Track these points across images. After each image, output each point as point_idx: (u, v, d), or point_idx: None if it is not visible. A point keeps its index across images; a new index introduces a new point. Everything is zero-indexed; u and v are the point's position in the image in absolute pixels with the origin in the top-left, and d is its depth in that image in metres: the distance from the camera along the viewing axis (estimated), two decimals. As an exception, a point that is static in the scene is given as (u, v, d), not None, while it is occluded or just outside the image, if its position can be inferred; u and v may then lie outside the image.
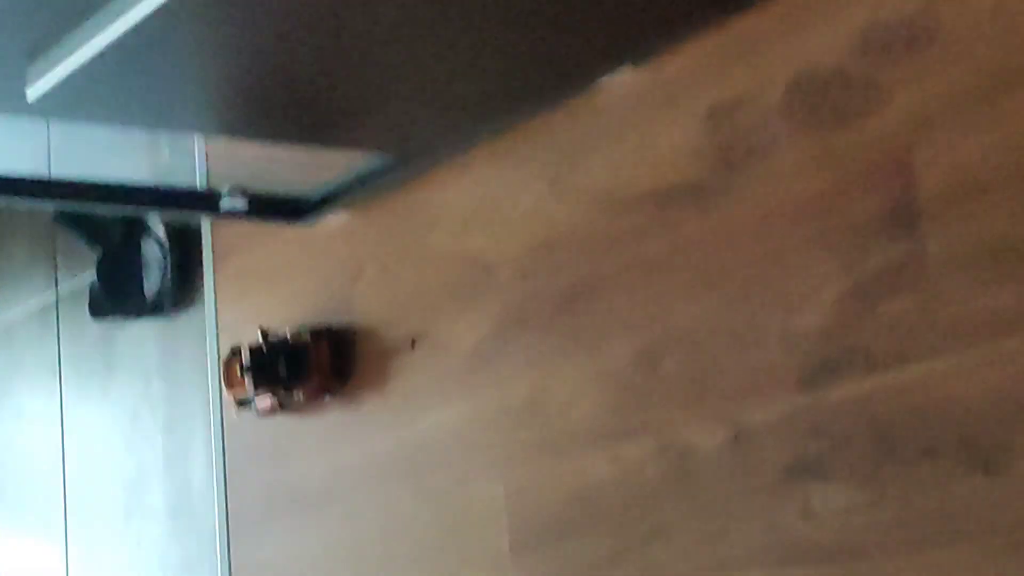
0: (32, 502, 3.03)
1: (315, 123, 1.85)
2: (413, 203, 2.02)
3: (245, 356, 2.20)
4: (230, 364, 2.26)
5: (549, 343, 1.80)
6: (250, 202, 2.07)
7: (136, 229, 2.61)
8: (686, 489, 1.61)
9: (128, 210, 2.15)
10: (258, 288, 2.37)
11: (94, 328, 2.83)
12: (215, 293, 2.45)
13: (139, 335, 2.69)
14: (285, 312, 2.29)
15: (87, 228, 2.71)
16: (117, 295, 2.63)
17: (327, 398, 2.24)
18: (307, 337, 2.22)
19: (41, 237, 3.05)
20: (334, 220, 2.17)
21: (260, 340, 2.16)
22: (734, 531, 1.55)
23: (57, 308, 2.97)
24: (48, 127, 2.86)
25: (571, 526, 1.75)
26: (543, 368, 1.81)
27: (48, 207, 2.35)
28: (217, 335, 2.43)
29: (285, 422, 2.26)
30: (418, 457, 1.99)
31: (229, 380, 2.26)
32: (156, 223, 2.55)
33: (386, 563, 2.03)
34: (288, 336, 2.22)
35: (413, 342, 2.02)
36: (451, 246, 1.96)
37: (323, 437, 2.18)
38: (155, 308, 2.57)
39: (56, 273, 2.99)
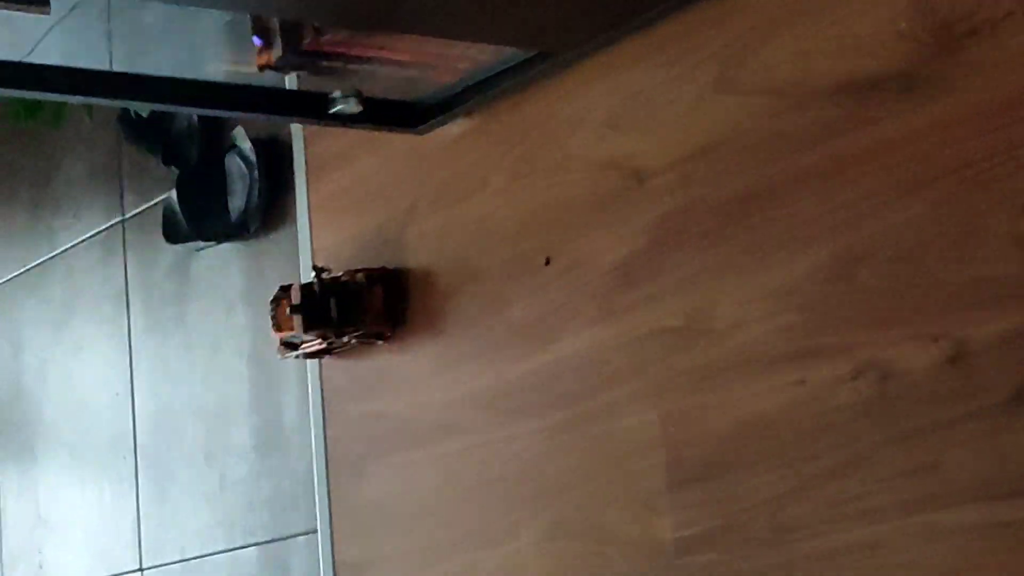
0: (96, 443, 2.91)
1: (440, 14, 1.71)
2: (550, 105, 1.88)
3: (295, 296, 2.12)
4: (278, 304, 2.17)
5: (714, 256, 1.66)
6: (365, 106, 1.92)
7: (218, 144, 2.47)
8: (888, 415, 1.47)
9: (221, 113, 1.98)
10: (359, 205, 2.23)
11: (167, 253, 2.70)
12: (309, 212, 2.31)
13: (219, 260, 2.56)
14: (393, 230, 2.15)
15: (160, 144, 2.57)
16: (198, 216, 2.49)
17: (379, 343, 2.16)
18: (361, 279, 2.14)
19: (104, 155, 2.91)
20: (454, 127, 2.02)
21: (313, 279, 2.10)
22: (949, 462, 1.41)
23: (123, 233, 2.84)
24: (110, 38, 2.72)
25: (742, 459, 1.61)
26: (707, 284, 1.67)
27: (138, 106, 2.20)
28: (312, 258, 2.29)
29: (393, 350, 2.12)
30: (552, 387, 1.86)
31: (277, 321, 2.17)
32: (242, 136, 2.41)
33: (515, 504, 1.90)
34: (341, 276, 2.15)
35: (547, 260, 1.88)
36: (595, 152, 1.82)
37: (439, 366, 2.04)
38: (240, 229, 2.44)
39: (122, 195, 2.85)
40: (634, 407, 1.75)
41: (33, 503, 3.13)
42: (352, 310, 2.13)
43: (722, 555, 1.62)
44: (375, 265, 2.17)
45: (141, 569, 2.78)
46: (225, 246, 2.49)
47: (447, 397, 2.02)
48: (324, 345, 2.19)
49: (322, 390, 2.27)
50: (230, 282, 2.51)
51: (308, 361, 2.27)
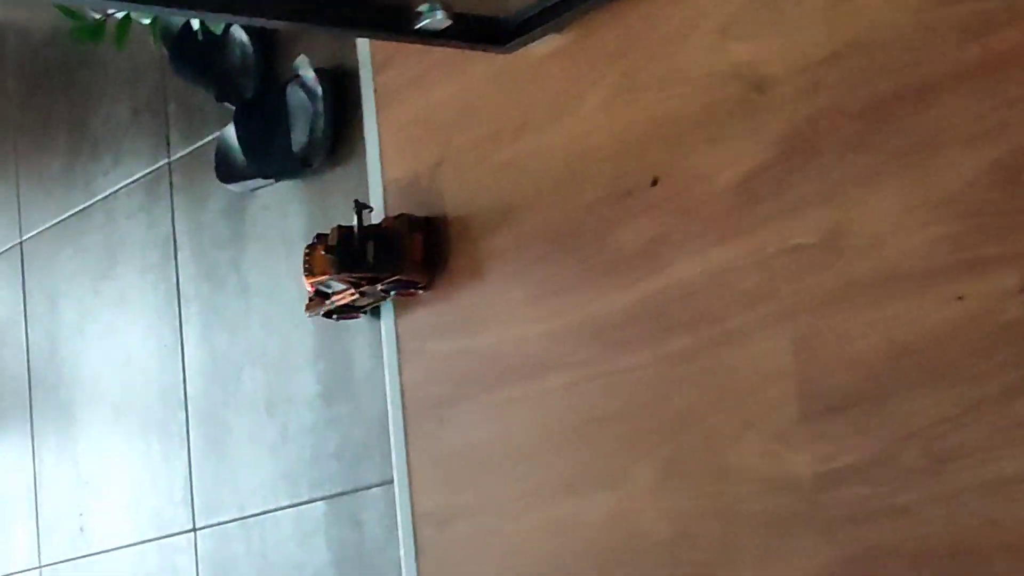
0: (143, 398, 2.80)
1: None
2: (655, 15, 1.78)
3: (332, 237, 2.07)
4: (313, 250, 2.08)
5: (853, 167, 1.56)
6: (455, 21, 1.81)
7: (275, 76, 2.36)
8: (1065, 330, 1.37)
9: (292, 25, 1.85)
10: (433, 135, 2.12)
11: (218, 196, 2.58)
12: (380, 144, 2.20)
13: (278, 198, 2.45)
14: (473, 160, 2.05)
15: (214, 79, 2.45)
16: (256, 153, 2.37)
17: (419, 293, 2.10)
18: (401, 226, 2.08)
19: (147, 95, 2.79)
20: (543, 46, 1.92)
21: (354, 222, 2.05)
22: None
23: (170, 175, 2.73)
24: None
25: (892, 385, 1.51)
26: (844, 197, 1.57)
27: (201, 16, 2.07)
28: (384, 191, 2.18)
29: (479, 283, 2.02)
30: (666, 314, 1.76)
31: (311, 268, 2.09)
32: (305, 65, 2.29)
33: (627, 443, 1.80)
34: (381, 222, 2.10)
35: (655, 180, 1.77)
36: (707, 62, 1.72)
37: (534, 297, 1.93)
38: (302, 165, 2.32)
39: (168, 133, 2.73)
40: (761, 333, 1.65)
41: (72, 464, 3.03)
42: (390, 257, 2.06)
43: (872, 489, 1.52)
44: (449, 200, 2.08)
45: (195, 529, 2.68)
46: (284, 184, 2.38)
47: (545, 330, 1.91)
48: (355, 296, 2.11)
49: (397, 330, 2.16)
50: (290, 222, 2.40)
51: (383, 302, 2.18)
